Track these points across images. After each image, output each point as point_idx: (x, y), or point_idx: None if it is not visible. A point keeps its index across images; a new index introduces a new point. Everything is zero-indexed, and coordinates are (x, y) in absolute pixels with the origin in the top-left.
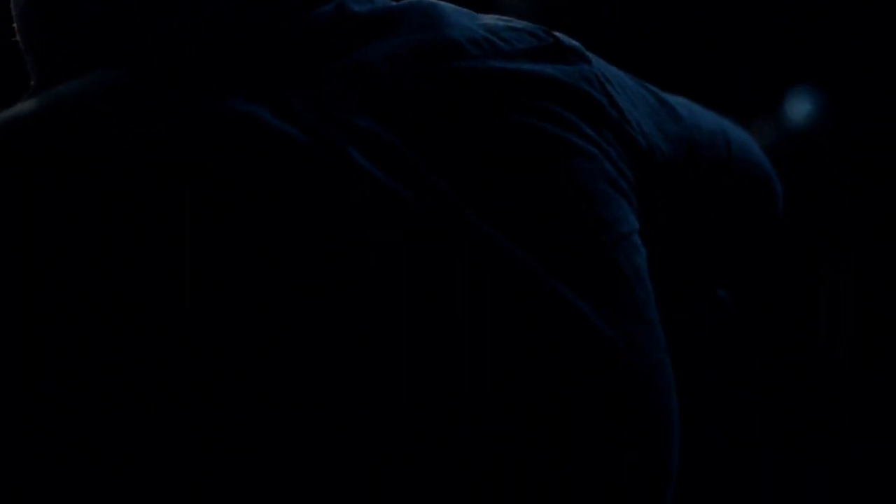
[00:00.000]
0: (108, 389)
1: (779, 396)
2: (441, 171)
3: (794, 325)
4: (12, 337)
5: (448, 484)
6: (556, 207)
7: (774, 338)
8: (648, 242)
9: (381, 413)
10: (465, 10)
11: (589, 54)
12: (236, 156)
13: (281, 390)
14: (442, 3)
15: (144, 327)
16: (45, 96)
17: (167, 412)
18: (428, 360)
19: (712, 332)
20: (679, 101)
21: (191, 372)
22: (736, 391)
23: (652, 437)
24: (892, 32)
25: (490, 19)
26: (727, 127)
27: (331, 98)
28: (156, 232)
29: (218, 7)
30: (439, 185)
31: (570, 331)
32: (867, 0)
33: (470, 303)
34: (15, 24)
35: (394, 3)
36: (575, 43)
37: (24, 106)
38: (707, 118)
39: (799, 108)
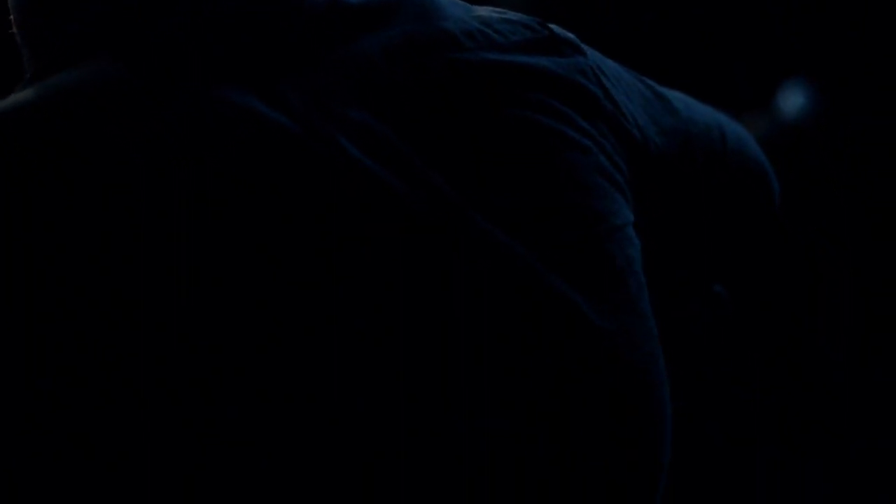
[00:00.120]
0: (104, 384)
1: (777, 393)
2: (435, 164)
3: (792, 322)
4: (7, 330)
5: (445, 480)
6: (551, 200)
7: (772, 334)
8: (645, 237)
9: (377, 408)
10: (459, 2)
11: (584, 46)
12: (231, 146)
13: (277, 385)
14: None
15: (140, 321)
16: (41, 86)
17: (163, 406)
18: (425, 356)
19: (710, 329)
20: (675, 95)
21: (186, 366)
22: (734, 388)
23: (645, 429)
24: (885, 26)
25: (484, 11)
26: (723, 121)
27: (324, 89)
28: (151, 223)
29: (218, 7)
30: (434, 179)
31: (567, 325)
32: None
33: (467, 297)
34: (11, 17)
35: None
36: (570, 35)
37: (19, 96)
38: (703, 112)
39: (791, 101)
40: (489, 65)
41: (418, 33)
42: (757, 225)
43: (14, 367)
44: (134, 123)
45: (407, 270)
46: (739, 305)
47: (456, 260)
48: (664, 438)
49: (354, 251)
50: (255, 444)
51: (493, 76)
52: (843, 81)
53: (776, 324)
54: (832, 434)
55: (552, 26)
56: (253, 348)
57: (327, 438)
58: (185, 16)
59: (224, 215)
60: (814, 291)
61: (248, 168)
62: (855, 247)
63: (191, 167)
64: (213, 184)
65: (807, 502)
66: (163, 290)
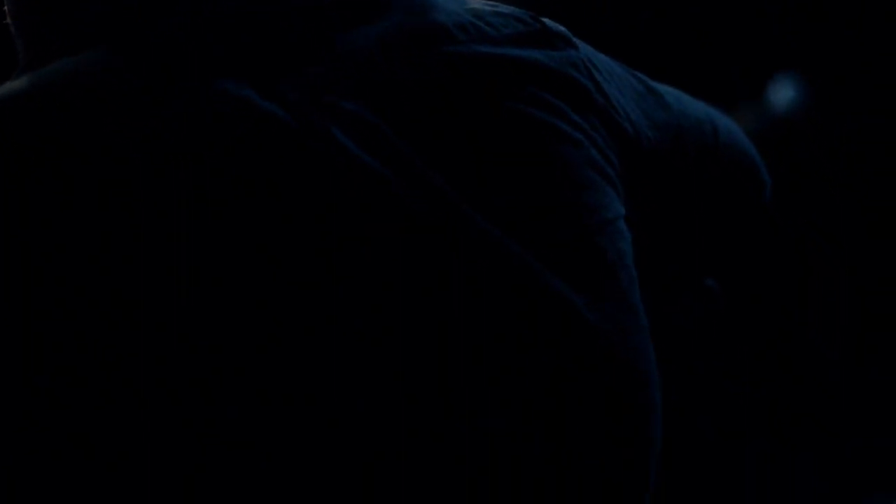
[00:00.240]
0: (103, 383)
1: (768, 388)
2: (430, 157)
3: (784, 316)
4: (5, 329)
5: (444, 479)
6: (545, 196)
7: (764, 329)
8: (637, 231)
9: (376, 408)
10: None
11: (576, 40)
12: (226, 138)
13: (276, 385)
14: None
15: (139, 320)
16: (36, 75)
17: (162, 406)
18: (424, 356)
19: (701, 323)
20: (667, 90)
21: (186, 366)
22: (725, 382)
23: (635, 423)
24: (876, 20)
25: (477, 4)
26: (715, 116)
27: (318, 81)
28: (147, 217)
29: (218, 7)
30: (428, 171)
31: (562, 323)
32: None
33: (465, 296)
34: (6, 7)
35: None
36: (562, 29)
37: (14, 84)
38: (695, 106)
39: (782, 94)
40: (481, 58)
41: (411, 26)
42: (748, 219)
43: (13, 366)
44: (130, 115)
45: (405, 267)
46: (731, 300)
47: (454, 257)
48: (654, 432)
49: (351, 247)
50: (254, 444)
51: (485, 69)
52: (833, 75)
53: (768, 318)
54: (825, 430)
55: (544, 20)
56: (252, 348)
57: (327, 439)
58: (185, 16)
59: (219, 208)
60: (806, 286)
61: (242, 160)
62: (847, 241)
63: (186, 158)
64: (208, 175)
65: (798, 498)
66: (161, 287)
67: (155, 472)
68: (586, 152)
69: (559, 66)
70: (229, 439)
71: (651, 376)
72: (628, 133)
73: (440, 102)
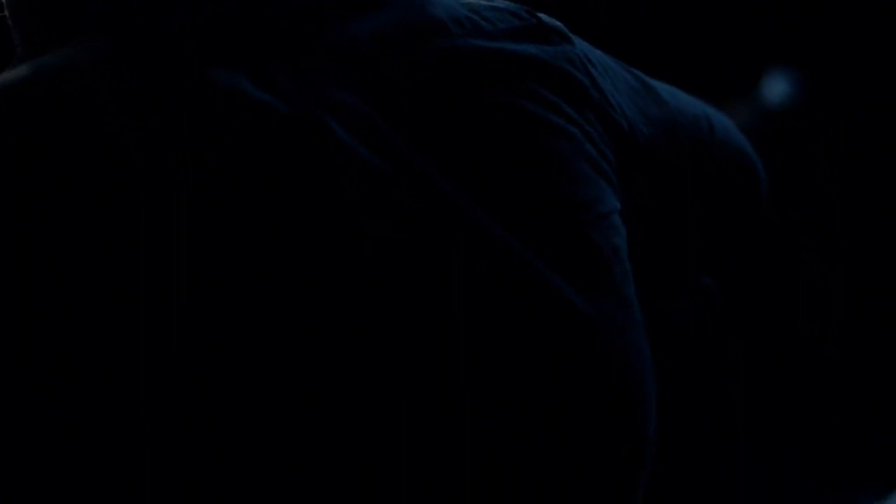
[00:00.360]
0: (101, 381)
1: (763, 384)
2: (425, 150)
3: (779, 312)
4: (3, 326)
5: (444, 478)
6: (539, 188)
7: (759, 325)
8: (633, 228)
9: (376, 406)
10: None
11: (571, 35)
12: (220, 130)
13: (276, 383)
14: None
15: (137, 317)
16: (33, 65)
17: (160, 404)
18: (423, 354)
19: (697, 320)
20: (662, 86)
21: (184, 363)
22: (720, 379)
23: (630, 418)
24: (870, 15)
25: None
26: (710, 112)
27: (312, 72)
28: (142, 210)
29: (218, 8)
30: (423, 163)
31: (560, 320)
32: None
33: (465, 293)
34: (4, 2)
35: None
36: (557, 24)
37: (10, 73)
38: (690, 103)
39: (776, 89)
40: (477, 51)
41: (407, 19)
42: (744, 215)
43: (11, 365)
44: (126, 107)
45: (404, 265)
46: (727, 296)
47: (454, 255)
48: (649, 428)
49: (350, 244)
50: (254, 442)
51: (481, 63)
52: (827, 70)
53: (763, 314)
54: (820, 426)
55: (540, 15)
56: (251, 344)
57: (327, 437)
58: (185, 16)
59: (216, 201)
60: (801, 282)
61: (238, 152)
62: (843, 237)
63: (182, 151)
64: (204, 168)
65: (793, 493)
66: (159, 282)
67: (154, 470)
68: (581, 146)
69: (555, 60)
70: (229, 438)
71: (646, 372)
72: (623, 128)
73: (436, 96)
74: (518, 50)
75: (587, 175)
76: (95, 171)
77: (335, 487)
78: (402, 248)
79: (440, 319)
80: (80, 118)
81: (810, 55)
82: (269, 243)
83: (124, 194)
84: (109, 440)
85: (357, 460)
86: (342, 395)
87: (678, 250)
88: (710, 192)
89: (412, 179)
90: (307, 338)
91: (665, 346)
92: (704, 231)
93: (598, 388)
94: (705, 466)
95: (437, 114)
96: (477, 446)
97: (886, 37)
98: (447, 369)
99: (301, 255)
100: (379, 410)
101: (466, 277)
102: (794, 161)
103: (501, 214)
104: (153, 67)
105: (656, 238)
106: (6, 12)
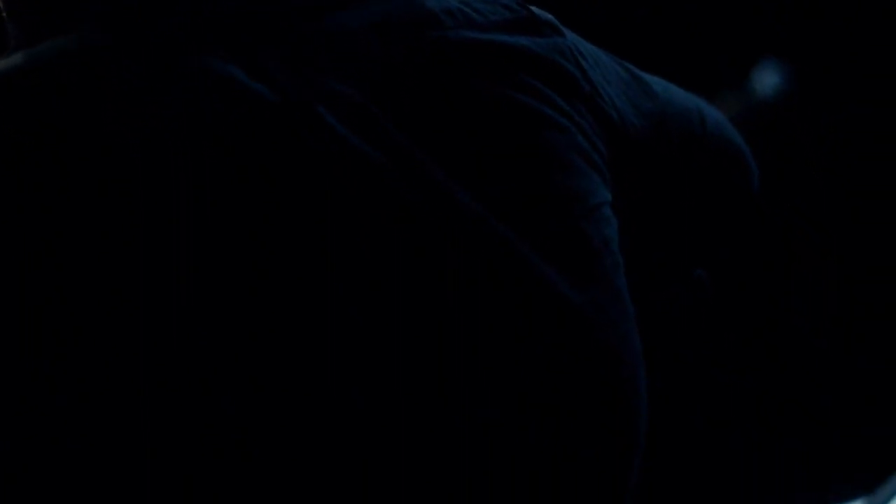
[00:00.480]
0: (97, 373)
1: (755, 376)
2: (418, 140)
3: (771, 304)
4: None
5: (439, 470)
6: (531, 179)
7: (751, 317)
8: (625, 220)
9: (372, 398)
10: None
11: (563, 28)
12: (213, 119)
13: (271, 375)
14: None
15: (132, 310)
16: (27, 54)
17: (158, 398)
18: (418, 346)
19: (689, 312)
20: (654, 79)
21: (179, 354)
22: (712, 371)
23: (621, 410)
24: (861, 6)
25: None
26: (702, 105)
27: (305, 62)
28: (137, 198)
29: (218, 7)
30: (416, 152)
31: (555, 312)
32: None
33: (459, 282)
34: None
35: None
36: (549, 16)
37: (2, 62)
38: (682, 96)
39: (767, 81)
40: (469, 43)
41: (398, 10)
42: (736, 207)
43: (6, 358)
44: (120, 93)
45: (399, 256)
46: (719, 288)
47: (449, 246)
48: (640, 420)
49: (344, 234)
50: (250, 436)
51: (472, 54)
52: (818, 62)
53: (755, 307)
54: (812, 419)
55: (531, 7)
56: (245, 335)
57: (323, 430)
58: (185, 15)
59: (209, 190)
60: (793, 274)
61: (230, 141)
62: (834, 229)
63: (176, 137)
64: (198, 158)
65: (785, 486)
66: (153, 272)
67: (153, 469)
68: (572, 138)
69: (546, 52)
70: (226, 433)
71: (638, 364)
72: (614, 120)
73: (428, 87)
74: (510, 42)
75: (579, 167)
76: (90, 158)
77: (332, 480)
78: (396, 238)
79: (434, 311)
80: (75, 106)
81: (801, 46)
82: (262, 231)
83: (119, 182)
84: (106, 435)
85: (353, 452)
86: (337, 385)
87: (670, 242)
88: (702, 184)
89: (407, 170)
90: (300, 328)
91: (657, 338)
92: (696, 223)
93: (591, 381)
94: (697, 458)
95: (430, 105)
96: (472, 439)
97: (877, 28)
98: (442, 361)
99: (294, 244)
100: (373, 401)
101: (461, 269)
102: (785, 153)
103: (496, 206)
104: (149, 56)
105: (648, 230)
106: (1, 7)
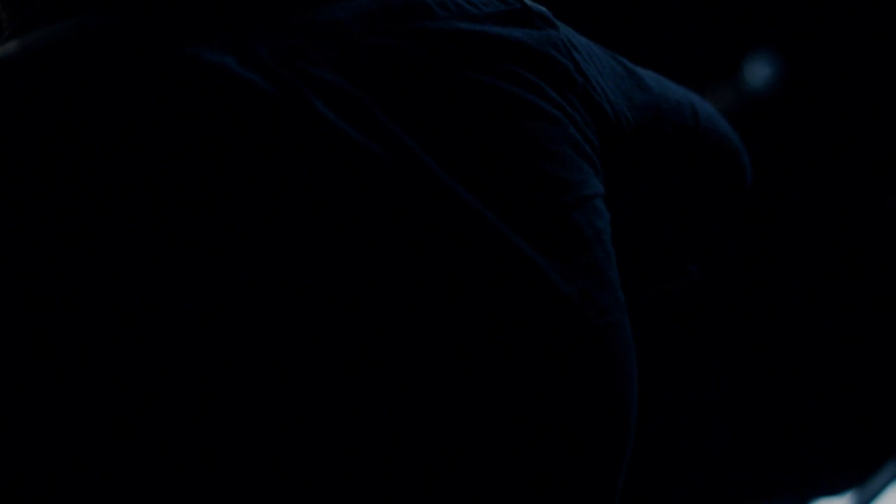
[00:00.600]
0: (99, 386)
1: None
2: (409, 130)
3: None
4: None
5: (433, 456)
6: (519, 168)
7: (743, 310)
8: (618, 213)
9: (361, 385)
10: None
11: (556, 21)
12: (205, 105)
13: (267, 365)
14: None
15: (129, 306)
16: (19, 41)
17: (157, 398)
18: (409, 333)
19: (682, 305)
20: (647, 73)
21: (180, 358)
22: (702, 363)
23: (611, 397)
24: None
25: None
26: (695, 99)
27: (296, 50)
28: (126, 186)
29: None
30: (408, 142)
31: (549, 301)
32: None
33: (451, 272)
34: None
35: None
36: (542, 8)
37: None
38: (675, 89)
39: (758, 73)
40: (462, 34)
41: (391, 1)
42: (728, 201)
43: (9, 364)
44: (112, 81)
45: (391, 244)
46: (711, 282)
47: (442, 235)
48: (631, 409)
49: (333, 221)
50: (251, 434)
51: (465, 45)
52: (809, 53)
53: (747, 300)
54: (804, 413)
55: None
56: (239, 329)
57: (324, 431)
58: (177, 6)
59: (199, 177)
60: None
61: (221, 129)
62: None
63: (168, 126)
64: (189, 143)
65: (777, 479)
66: (145, 264)
67: (152, 468)
68: (565, 130)
69: (539, 44)
70: (225, 432)
71: (629, 354)
72: (607, 113)
73: (419, 78)
74: (503, 33)
75: (571, 158)
76: (82, 146)
77: (332, 481)
78: (388, 227)
79: (426, 299)
80: (67, 94)
81: (792, 38)
82: (256, 221)
83: (112, 171)
84: (108, 437)
85: (352, 450)
86: (331, 376)
87: (663, 236)
88: (695, 177)
89: (399, 159)
90: (298, 319)
91: (649, 331)
92: (689, 216)
93: (582, 370)
94: (686, 450)
95: (422, 96)
96: (465, 425)
97: (868, 20)
98: (433, 349)
99: (286, 233)
100: (363, 389)
101: (453, 258)
102: (777, 145)
103: (487, 196)
104: (141, 44)
105: (641, 223)
106: None
